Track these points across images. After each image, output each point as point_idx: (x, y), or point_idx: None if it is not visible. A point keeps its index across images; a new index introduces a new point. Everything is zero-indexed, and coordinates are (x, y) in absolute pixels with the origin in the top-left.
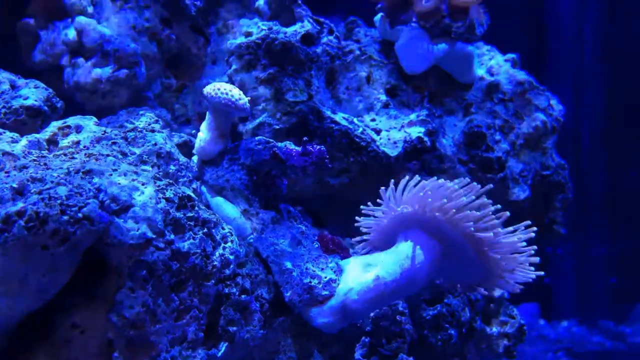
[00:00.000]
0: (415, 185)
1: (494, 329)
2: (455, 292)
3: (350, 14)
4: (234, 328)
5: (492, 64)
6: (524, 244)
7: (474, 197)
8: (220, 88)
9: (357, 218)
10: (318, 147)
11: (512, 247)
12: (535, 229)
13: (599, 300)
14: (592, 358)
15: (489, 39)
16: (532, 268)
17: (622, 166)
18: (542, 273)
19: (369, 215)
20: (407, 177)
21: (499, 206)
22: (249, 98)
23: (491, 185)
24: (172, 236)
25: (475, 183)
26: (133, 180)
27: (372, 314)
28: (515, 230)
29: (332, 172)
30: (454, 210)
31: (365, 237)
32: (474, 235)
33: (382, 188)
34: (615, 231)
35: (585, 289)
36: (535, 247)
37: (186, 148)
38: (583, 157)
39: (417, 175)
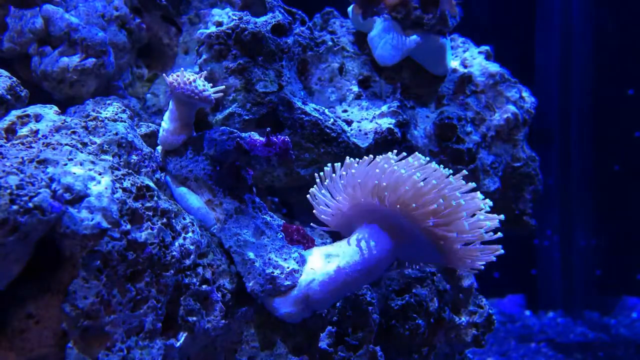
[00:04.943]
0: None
1: (463, 319)
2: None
3: (329, 4)
4: (194, 318)
5: (466, 56)
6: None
7: (441, 201)
8: (183, 77)
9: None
10: (282, 137)
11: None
12: (497, 222)
13: (584, 292)
14: (573, 349)
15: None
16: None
17: (607, 160)
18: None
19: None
20: (352, 160)
21: (472, 184)
22: (224, 87)
23: (466, 172)
24: (129, 226)
25: (434, 164)
26: (89, 169)
27: (338, 304)
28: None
29: (302, 163)
30: (414, 205)
31: (324, 218)
32: (433, 232)
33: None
34: (601, 224)
35: (571, 280)
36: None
37: (154, 138)
38: (570, 151)
39: (370, 156)
